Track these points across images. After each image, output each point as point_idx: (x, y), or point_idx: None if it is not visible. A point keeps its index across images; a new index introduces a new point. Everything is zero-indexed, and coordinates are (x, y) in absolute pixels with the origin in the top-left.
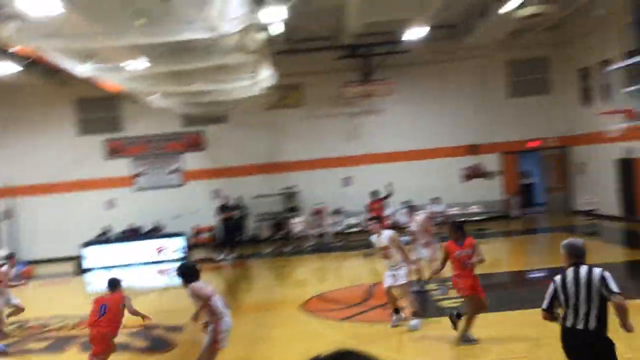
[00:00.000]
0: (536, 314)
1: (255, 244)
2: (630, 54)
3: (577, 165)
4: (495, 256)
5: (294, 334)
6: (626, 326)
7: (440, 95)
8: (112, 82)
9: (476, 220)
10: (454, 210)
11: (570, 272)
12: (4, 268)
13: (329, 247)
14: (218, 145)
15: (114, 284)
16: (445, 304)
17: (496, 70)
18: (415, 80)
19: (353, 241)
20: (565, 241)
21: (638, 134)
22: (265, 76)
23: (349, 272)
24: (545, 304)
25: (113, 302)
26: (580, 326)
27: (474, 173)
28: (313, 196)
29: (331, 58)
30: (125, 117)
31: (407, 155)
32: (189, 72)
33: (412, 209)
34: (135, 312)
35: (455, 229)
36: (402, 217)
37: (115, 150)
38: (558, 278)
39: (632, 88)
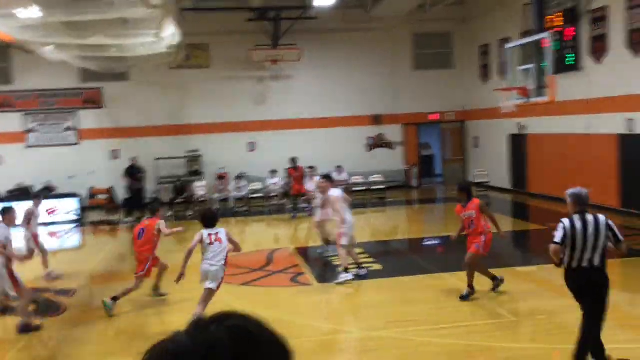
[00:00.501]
0: (432, 278)
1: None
2: (527, 34)
3: (473, 138)
4: (394, 224)
5: (193, 298)
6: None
7: (348, 64)
8: (1, 30)
9: (377, 189)
10: (357, 179)
11: (577, 218)
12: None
13: (231, 212)
14: (118, 104)
15: (153, 209)
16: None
17: (402, 42)
18: (325, 47)
19: (256, 207)
20: (570, 190)
21: (530, 111)
22: (170, 34)
23: (251, 238)
24: (558, 238)
25: (149, 226)
26: (585, 264)
27: (377, 143)
28: (217, 160)
29: (240, 19)
30: (17, 68)
31: (313, 123)
32: (87, 24)
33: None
34: (169, 234)
35: (460, 191)
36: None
37: (4, 104)
38: (567, 222)
39: (526, 66)
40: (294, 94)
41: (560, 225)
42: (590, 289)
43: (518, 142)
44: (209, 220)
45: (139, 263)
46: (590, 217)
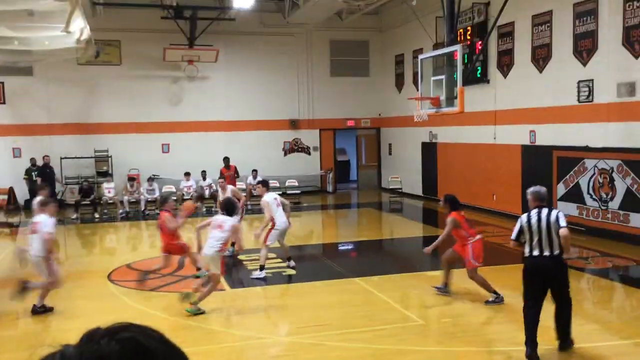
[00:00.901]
0: (345, 283)
1: (62, 209)
2: (440, 45)
3: (388, 145)
4: (309, 229)
5: (100, 306)
6: (567, 253)
7: (266, 67)
8: None
9: (293, 194)
10: (273, 183)
11: (534, 212)
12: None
13: (143, 214)
14: (21, 100)
15: (162, 201)
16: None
17: (320, 48)
18: (243, 50)
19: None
20: (531, 188)
21: (441, 120)
22: (79, 28)
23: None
24: (514, 235)
25: (160, 220)
26: (547, 253)
27: (293, 147)
28: (128, 161)
29: (155, 17)
30: None
31: (229, 125)
32: None
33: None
34: (177, 226)
35: (445, 202)
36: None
37: None
38: (524, 217)
39: (438, 77)
40: (210, 96)
41: (518, 223)
42: (550, 275)
43: (429, 150)
44: (229, 209)
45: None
46: (545, 211)
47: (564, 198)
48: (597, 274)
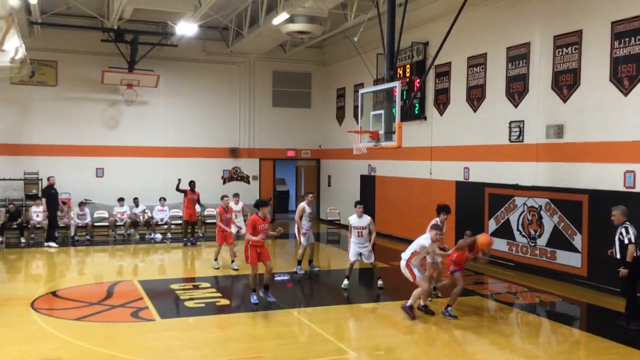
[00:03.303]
0: (280, 314)
1: None
2: (380, 81)
3: (327, 177)
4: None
5: (22, 334)
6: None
7: (208, 94)
8: None
9: None
10: (210, 211)
11: (629, 224)
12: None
13: (72, 240)
14: None
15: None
16: (190, 304)
17: (264, 78)
18: (184, 76)
19: (100, 235)
20: (619, 206)
21: (379, 154)
22: (14, 47)
23: (91, 269)
24: (633, 239)
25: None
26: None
27: (232, 176)
28: (60, 185)
29: (95, 39)
30: None
31: (168, 151)
32: None
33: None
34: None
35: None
36: (158, 213)
37: None
38: (628, 226)
39: (377, 112)
40: (148, 121)
41: (627, 230)
42: None
43: (368, 183)
44: (261, 204)
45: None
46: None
47: (495, 234)
48: (525, 308)
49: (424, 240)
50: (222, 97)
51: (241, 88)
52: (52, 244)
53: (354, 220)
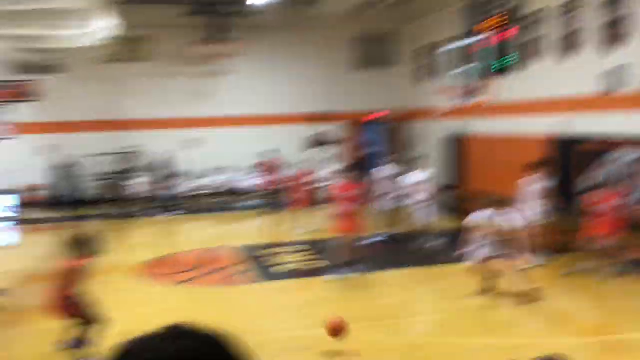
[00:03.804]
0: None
1: (93, 205)
2: (460, 37)
3: (413, 138)
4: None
5: (133, 299)
6: None
7: (290, 61)
8: None
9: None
10: None
11: None
12: None
13: (172, 209)
14: (54, 98)
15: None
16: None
17: (342, 41)
18: (267, 44)
19: (197, 204)
20: None
21: (466, 112)
22: (107, 26)
23: (191, 236)
24: None
25: None
26: None
27: (317, 141)
28: (156, 157)
29: (181, 13)
30: None
31: (254, 120)
32: (15, 14)
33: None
34: None
35: None
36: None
37: None
38: None
39: (460, 69)
40: (234, 91)
41: None
42: None
43: (455, 143)
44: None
45: None
46: None
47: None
48: None
49: None
50: (303, 63)
51: (322, 52)
52: (160, 213)
53: None
